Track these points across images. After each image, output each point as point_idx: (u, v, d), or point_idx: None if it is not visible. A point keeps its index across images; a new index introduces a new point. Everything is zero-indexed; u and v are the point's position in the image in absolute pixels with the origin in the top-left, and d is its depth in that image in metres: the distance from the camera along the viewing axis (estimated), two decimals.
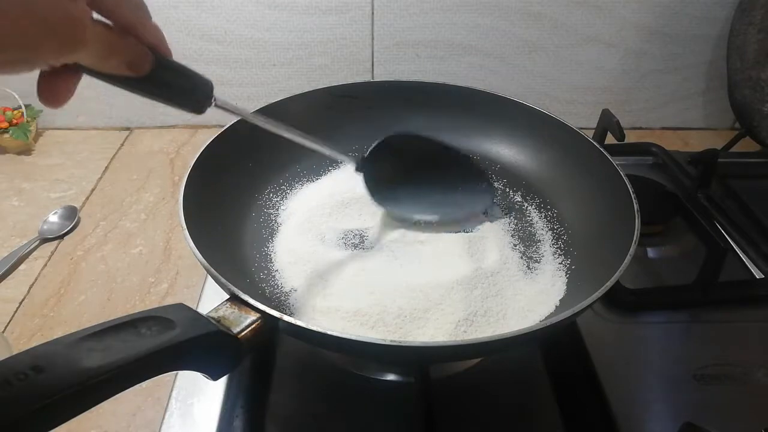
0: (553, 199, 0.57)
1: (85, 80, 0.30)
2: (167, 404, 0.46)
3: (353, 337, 0.34)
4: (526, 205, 0.57)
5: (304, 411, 0.46)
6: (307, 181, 0.59)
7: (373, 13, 0.80)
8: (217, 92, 0.36)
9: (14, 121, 0.79)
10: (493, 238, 0.52)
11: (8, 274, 0.62)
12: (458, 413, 0.46)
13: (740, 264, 0.59)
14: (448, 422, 0.44)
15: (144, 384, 0.27)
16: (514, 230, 0.54)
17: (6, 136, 0.78)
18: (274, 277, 0.48)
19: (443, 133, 0.62)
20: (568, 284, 0.47)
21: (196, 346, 0.30)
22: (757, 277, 0.58)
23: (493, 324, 0.43)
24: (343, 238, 0.51)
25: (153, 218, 0.71)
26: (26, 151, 0.82)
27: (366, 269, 0.47)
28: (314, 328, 0.33)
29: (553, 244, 0.52)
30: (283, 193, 0.57)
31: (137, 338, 0.28)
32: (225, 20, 0.79)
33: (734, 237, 0.62)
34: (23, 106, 0.80)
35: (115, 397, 0.26)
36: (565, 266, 0.49)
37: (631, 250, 0.41)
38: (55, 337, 0.26)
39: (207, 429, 0.44)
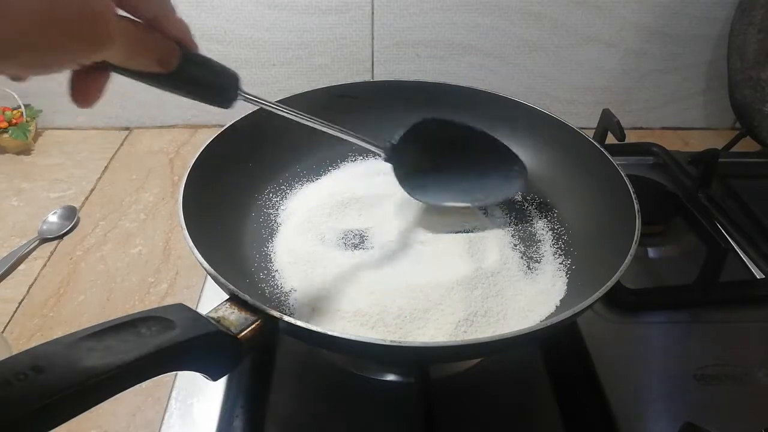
0: (553, 199, 0.57)
1: None
2: (167, 404, 0.46)
3: (353, 337, 0.34)
4: (526, 205, 0.57)
5: (304, 411, 0.46)
6: (307, 181, 0.59)
7: (373, 13, 0.80)
8: None
9: (14, 121, 0.79)
10: (493, 238, 0.52)
11: (8, 275, 0.62)
12: (458, 413, 0.46)
13: (741, 264, 0.59)
14: (448, 422, 0.44)
15: (144, 384, 0.27)
16: (514, 230, 0.54)
17: (5, 135, 0.78)
18: (273, 277, 0.48)
19: None
20: (568, 284, 0.47)
21: (196, 346, 0.30)
22: (758, 277, 0.58)
23: (493, 324, 0.43)
24: (343, 238, 0.51)
25: (152, 218, 0.71)
26: (26, 151, 0.82)
27: (366, 269, 0.47)
28: (314, 328, 0.33)
29: (553, 244, 0.52)
30: (283, 193, 0.57)
31: (137, 338, 0.28)
32: (225, 20, 0.79)
33: (735, 237, 0.62)
34: (23, 106, 0.80)
35: (115, 397, 0.26)
36: (566, 266, 0.49)
37: (632, 250, 0.41)
38: (54, 337, 0.26)
39: (207, 429, 0.44)
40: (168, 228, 0.69)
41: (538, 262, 0.50)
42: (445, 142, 0.52)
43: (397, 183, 0.51)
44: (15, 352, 0.26)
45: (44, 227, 0.67)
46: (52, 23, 0.23)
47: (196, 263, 0.38)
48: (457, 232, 0.52)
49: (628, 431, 0.44)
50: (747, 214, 0.65)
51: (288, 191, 0.57)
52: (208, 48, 0.79)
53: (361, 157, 0.62)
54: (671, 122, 0.92)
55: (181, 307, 0.31)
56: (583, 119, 0.85)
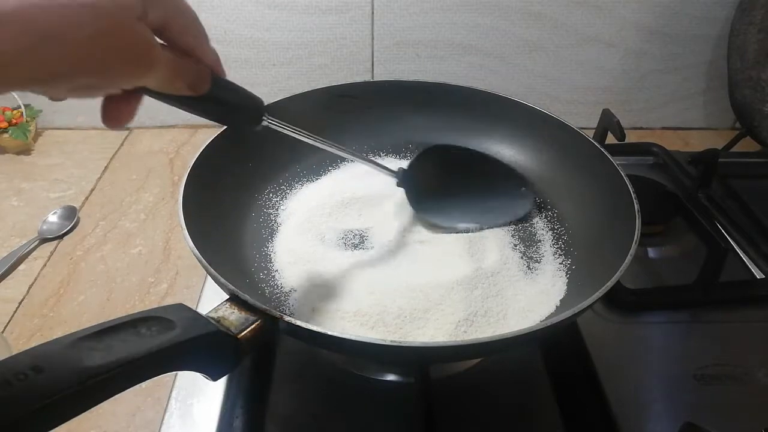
0: (553, 199, 0.57)
1: None
2: (167, 404, 0.46)
3: (353, 337, 0.34)
4: None
5: (304, 411, 0.46)
6: (307, 181, 0.59)
7: (373, 13, 0.80)
8: None
9: (14, 121, 0.79)
10: (493, 238, 0.52)
11: (8, 275, 0.62)
12: (458, 413, 0.46)
13: (741, 264, 0.59)
14: (448, 422, 0.44)
15: (144, 384, 0.27)
16: (514, 230, 0.54)
17: (5, 135, 0.78)
18: (273, 277, 0.48)
19: (443, 133, 0.63)
20: (568, 284, 0.47)
21: (196, 346, 0.30)
22: (758, 277, 0.58)
23: (493, 324, 0.43)
24: (343, 238, 0.51)
25: (152, 218, 0.71)
26: (26, 151, 0.82)
27: (366, 269, 0.47)
28: (314, 328, 0.33)
29: (553, 244, 0.52)
30: (283, 193, 0.57)
31: (137, 338, 0.28)
32: (225, 20, 0.79)
33: (735, 237, 0.62)
34: (23, 106, 0.80)
35: (115, 397, 0.26)
36: (566, 266, 0.49)
37: (632, 250, 0.40)
38: (54, 337, 0.26)
39: (207, 429, 0.44)
40: (168, 228, 0.69)
41: (538, 262, 0.50)
42: (454, 166, 0.55)
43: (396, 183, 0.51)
44: (15, 352, 0.26)
45: (44, 227, 0.67)
46: (109, 49, 0.24)
47: (196, 263, 0.38)
48: (457, 232, 0.52)
49: (628, 431, 0.44)
50: (747, 214, 0.65)
51: (288, 191, 0.57)
52: None
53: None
54: (671, 122, 0.92)
55: (181, 307, 0.31)
56: (583, 119, 0.85)
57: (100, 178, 0.78)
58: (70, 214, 0.70)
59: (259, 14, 0.79)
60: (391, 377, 0.48)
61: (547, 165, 0.59)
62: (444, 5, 0.80)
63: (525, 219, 0.55)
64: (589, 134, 0.56)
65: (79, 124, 0.87)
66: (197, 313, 0.31)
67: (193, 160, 0.47)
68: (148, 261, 0.64)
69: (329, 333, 0.33)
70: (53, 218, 0.69)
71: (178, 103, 0.33)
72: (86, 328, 0.27)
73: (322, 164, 0.60)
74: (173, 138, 0.86)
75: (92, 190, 0.75)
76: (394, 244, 0.50)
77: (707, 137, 0.90)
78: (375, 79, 0.86)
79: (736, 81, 0.80)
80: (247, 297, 0.34)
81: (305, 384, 0.48)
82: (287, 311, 0.44)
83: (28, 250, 0.65)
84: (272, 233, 0.52)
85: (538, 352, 0.50)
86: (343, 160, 0.61)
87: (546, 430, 0.46)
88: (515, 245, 0.52)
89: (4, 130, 0.78)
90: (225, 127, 0.52)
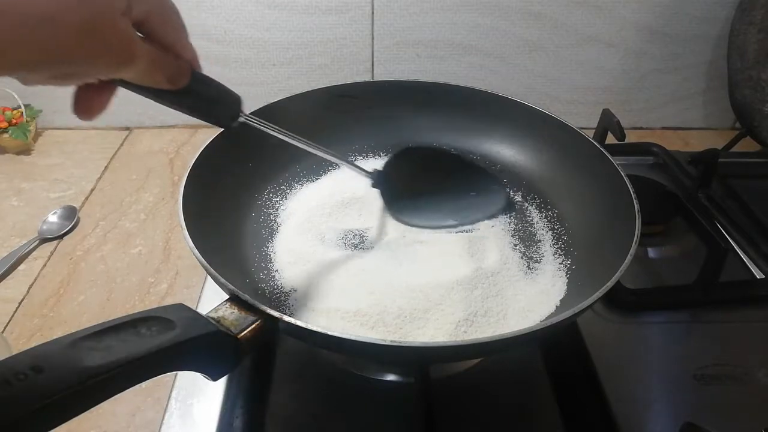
0: (553, 199, 0.57)
1: None
2: (167, 404, 0.46)
3: (353, 337, 0.34)
4: (526, 205, 0.57)
5: (304, 411, 0.46)
6: (307, 181, 0.59)
7: (373, 13, 0.80)
8: None
9: (14, 121, 0.79)
10: (493, 238, 0.52)
11: (8, 274, 0.62)
12: (458, 413, 0.46)
13: (741, 264, 0.59)
14: (448, 422, 0.44)
15: (144, 384, 0.27)
16: (514, 230, 0.54)
17: (5, 135, 0.78)
18: (273, 277, 0.48)
19: (443, 133, 0.63)
20: (568, 284, 0.47)
21: (196, 346, 0.30)
22: (758, 277, 0.58)
23: (493, 324, 0.43)
24: (343, 238, 0.51)
25: (152, 218, 0.71)
26: (26, 151, 0.82)
27: (366, 269, 0.47)
28: (314, 328, 0.33)
29: (553, 244, 0.52)
30: (283, 193, 0.57)
31: (137, 338, 0.28)
32: (225, 20, 0.79)
33: (735, 237, 0.62)
34: (23, 106, 0.80)
35: (115, 397, 0.26)
36: (566, 266, 0.49)
37: (632, 250, 0.40)
38: (54, 337, 0.26)
39: (207, 429, 0.44)
40: (168, 228, 0.69)
41: (538, 262, 0.50)
42: (428, 167, 0.56)
43: None
44: (15, 352, 0.26)
45: (44, 227, 0.67)
46: (94, 36, 0.25)
47: (196, 263, 0.38)
48: (457, 232, 0.52)
49: (628, 431, 0.44)
50: (747, 214, 0.65)
51: (288, 191, 0.57)
52: (208, 48, 0.79)
53: (361, 158, 0.62)
54: (671, 122, 0.92)
55: (181, 307, 0.31)
56: (583, 119, 0.85)
57: (100, 178, 0.78)
58: (70, 214, 0.70)
59: (259, 14, 0.79)
60: (391, 377, 0.48)
61: (547, 165, 0.59)
62: (444, 5, 0.80)
63: (497, 215, 0.55)
64: (589, 134, 0.56)
65: (79, 124, 0.86)
66: (197, 313, 0.31)
67: (193, 160, 0.47)
68: (148, 261, 0.64)
69: (329, 333, 0.33)
70: (53, 218, 0.69)
71: (156, 96, 0.33)
72: (86, 328, 0.27)
73: (322, 164, 0.60)
74: (173, 138, 0.86)
75: (92, 190, 0.75)
76: (394, 244, 0.50)
77: (707, 137, 0.90)
78: (375, 79, 0.86)
79: (736, 81, 0.80)
80: (247, 297, 0.34)
81: (305, 384, 0.48)
82: (287, 311, 0.44)
83: (28, 250, 0.65)
84: (272, 233, 0.52)
85: (538, 352, 0.50)
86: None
87: (546, 430, 0.46)
88: (515, 245, 0.52)
89: (4, 130, 0.78)
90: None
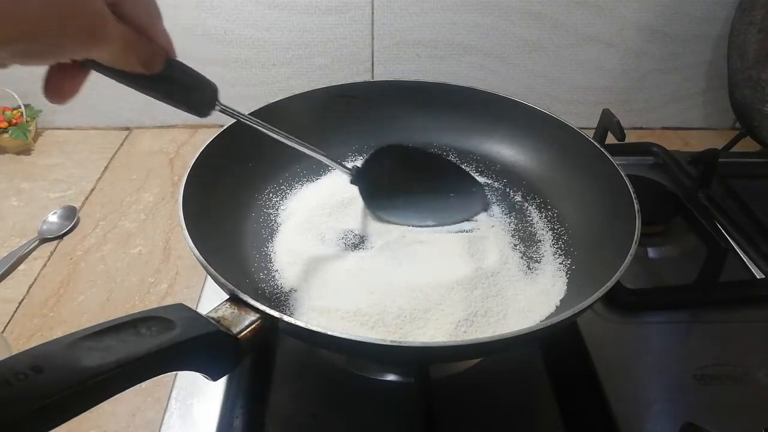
0: (553, 199, 0.57)
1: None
2: (167, 404, 0.46)
3: (353, 337, 0.34)
4: (526, 205, 0.57)
5: (304, 411, 0.46)
6: (307, 181, 0.59)
7: (373, 13, 0.80)
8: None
9: (14, 121, 0.79)
10: (493, 238, 0.52)
11: (8, 274, 0.62)
12: (458, 413, 0.46)
13: (741, 264, 0.59)
14: (448, 422, 0.44)
15: (144, 384, 0.27)
16: (514, 230, 0.54)
17: (5, 135, 0.78)
18: (273, 277, 0.48)
19: (443, 133, 0.63)
20: (568, 284, 0.47)
21: (196, 346, 0.30)
22: (758, 277, 0.58)
23: (493, 324, 0.43)
24: (343, 238, 0.51)
25: (152, 218, 0.71)
26: (26, 151, 0.82)
27: (366, 269, 0.47)
28: (314, 328, 0.33)
29: (553, 244, 0.52)
30: (283, 193, 0.57)
31: (137, 338, 0.28)
32: (225, 20, 0.79)
33: (735, 237, 0.62)
34: (23, 106, 0.80)
35: (115, 397, 0.26)
36: (566, 266, 0.49)
37: (632, 250, 0.40)
38: (54, 337, 0.26)
39: (207, 429, 0.44)
40: (168, 228, 0.69)
41: (538, 262, 0.50)
42: (408, 166, 0.56)
43: None
44: (15, 352, 0.26)
45: (44, 227, 0.67)
46: (64, 13, 0.24)
47: (196, 263, 0.38)
48: (457, 232, 0.52)
49: (628, 431, 0.44)
50: (747, 214, 0.65)
51: (288, 191, 0.57)
52: (208, 48, 0.79)
53: (361, 158, 0.62)
54: (671, 122, 0.92)
55: (181, 307, 0.31)
56: (583, 119, 0.85)
57: (100, 178, 0.78)
58: (70, 214, 0.70)
59: (259, 14, 0.79)
60: (391, 377, 0.48)
61: (547, 165, 0.59)
62: (444, 5, 0.80)
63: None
64: (589, 134, 0.56)
65: (79, 124, 0.87)
66: (197, 313, 0.32)
67: (193, 160, 0.47)
68: (148, 261, 0.64)
69: (329, 333, 0.33)
70: (53, 218, 0.69)
71: (131, 81, 0.32)
72: (86, 328, 0.27)
73: (322, 164, 0.60)
74: (173, 138, 0.86)
75: (92, 190, 0.75)
76: (394, 244, 0.50)
77: (707, 137, 0.90)
78: (375, 79, 0.86)
79: (736, 81, 0.80)
80: (247, 297, 0.34)
81: (305, 384, 0.48)
82: (287, 311, 0.44)
83: (28, 250, 0.65)
84: (272, 233, 0.52)
85: (538, 352, 0.50)
86: (343, 160, 0.61)
87: (546, 430, 0.46)
88: (515, 245, 0.52)
89: (4, 130, 0.78)
90: (225, 127, 0.52)
